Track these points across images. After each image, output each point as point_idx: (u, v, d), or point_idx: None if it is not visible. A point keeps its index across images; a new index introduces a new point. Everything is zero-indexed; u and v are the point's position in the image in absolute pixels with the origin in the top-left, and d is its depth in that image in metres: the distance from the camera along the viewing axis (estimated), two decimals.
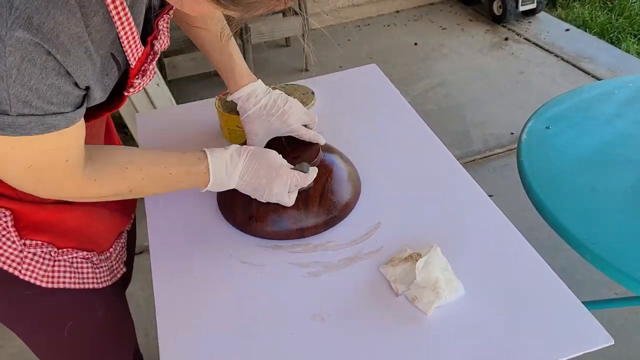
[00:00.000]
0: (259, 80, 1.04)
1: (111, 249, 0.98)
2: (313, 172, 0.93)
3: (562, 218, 1.11)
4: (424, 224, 0.95)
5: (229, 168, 0.87)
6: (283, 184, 0.89)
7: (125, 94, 0.80)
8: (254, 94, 1.01)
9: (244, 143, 1.16)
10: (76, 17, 0.61)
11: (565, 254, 1.27)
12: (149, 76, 0.81)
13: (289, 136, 1.01)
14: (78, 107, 0.68)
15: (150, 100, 2.46)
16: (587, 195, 1.17)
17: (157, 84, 2.47)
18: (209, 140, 1.20)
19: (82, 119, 0.71)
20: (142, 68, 0.79)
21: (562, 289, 0.83)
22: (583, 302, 0.81)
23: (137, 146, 1.19)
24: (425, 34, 3.47)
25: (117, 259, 1.01)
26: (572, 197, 1.17)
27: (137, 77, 0.78)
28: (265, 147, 0.99)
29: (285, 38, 3.33)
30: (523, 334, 0.77)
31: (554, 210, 1.13)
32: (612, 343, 0.75)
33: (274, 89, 1.06)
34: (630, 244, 1.06)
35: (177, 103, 2.57)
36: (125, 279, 1.09)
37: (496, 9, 3.44)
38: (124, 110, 2.35)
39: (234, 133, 1.16)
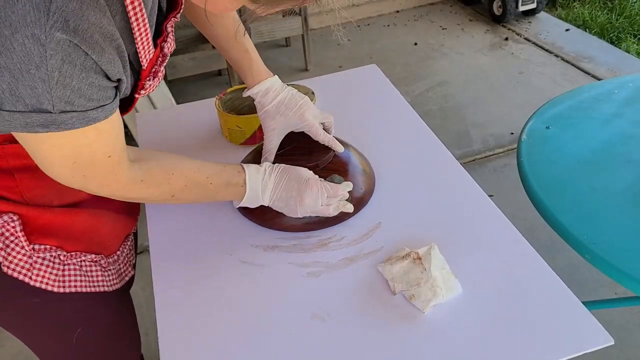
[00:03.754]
0: (276, 75, 1.04)
1: (118, 252, 0.97)
2: (347, 185, 0.95)
3: (562, 218, 1.11)
4: (424, 224, 0.95)
5: (263, 183, 0.90)
6: (314, 195, 0.90)
7: (137, 96, 0.80)
8: (272, 89, 1.01)
9: (246, 142, 1.16)
10: (107, 16, 0.62)
11: (565, 254, 1.27)
12: (159, 78, 0.81)
13: (304, 135, 1.02)
14: (114, 99, 0.69)
15: (150, 100, 2.46)
16: (587, 195, 1.17)
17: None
18: (209, 140, 1.20)
19: (119, 114, 0.72)
20: (153, 70, 0.79)
21: (562, 288, 0.83)
22: (583, 302, 0.81)
23: (138, 146, 1.19)
24: (425, 34, 3.47)
25: (125, 261, 1.00)
26: (572, 197, 1.17)
27: (148, 78, 0.79)
28: (282, 142, 1.01)
29: (285, 38, 3.33)
30: (522, 333, 0.77)
31: (554, 210, 1.13)
32: (612, 343, 0.75)
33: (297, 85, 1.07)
34: (630, 244, 1.06)
35: (177, 103, 2.57)
36: (130, 281, 1.09)
37: (496, 9, 3.44)
38: None
39: (234, 133, 1.16)
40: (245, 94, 1.04)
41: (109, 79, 0.66)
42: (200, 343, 0.79)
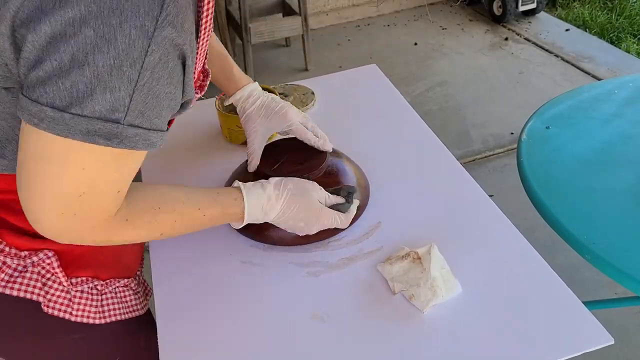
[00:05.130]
0: (256, 82, 1.04)
1: (138, 272, 0.95)
2: (354, 208, 0.91)
3: (562, 218, 1.11)
4: (424, 224, 0.95)
5: (265, 208, 0.84)
6: (321, 226, 0.87)
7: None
8: (252, 94, 1.01)
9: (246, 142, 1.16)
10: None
11: (565, 254, 1.27)
12: (204, 90, 0.78)
13: (296, 140, 1.01)
14: (167, 129, 0.64)
15: None
16: (587, 195, 1.17)
17: None
18: (209, 140, 1.20)
19: None
20: (200, 84, 0.76)
21: (562, 288, 0.83)
22: (583, 302, 0.81)
23: None
24: (425, 34, 3.47)
25: (143, 280, 0.99)
26: (572, 197, 1.17)
27: (196, 91, 0.74)
28: (272, 149, 0.98)
29: (285, 38, 3.33)
30: (522, 333, 0.77)
31: (554, 210, 1.13)
32: (612, 343, 0.75)
33: (274, 89, 1.07)
34: (630, 244, 1.05)
35: None
36: None
37: (496, 9, 3.44)
38: None
39: (234, 133, 1.16)
40: (228, 101, 1.03)
41: (182, 95, 0.63)
42: (200, 343, 0.79)
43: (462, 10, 3.72)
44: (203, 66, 0.75)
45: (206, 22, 0.64)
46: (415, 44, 3.37)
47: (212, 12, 0.65)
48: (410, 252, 0.86)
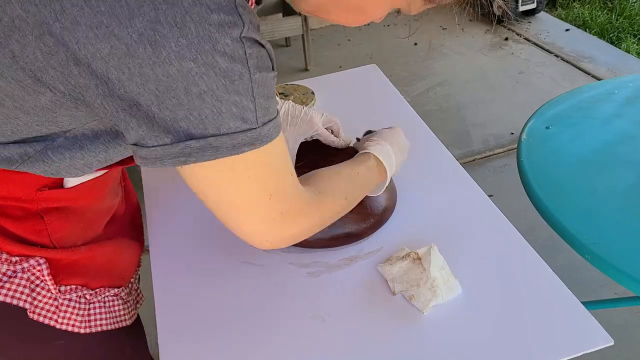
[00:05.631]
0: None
1: (132, 280, 0.95)
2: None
3: (562, 218, 1.10)
4: (423, 224, 0.95)
5: (386, 148, 0.90)
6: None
7: None
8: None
9: None
10: None
11: (565, 254, 1.27)
12: None
13: (320, 144, 1.00)
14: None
15: None
16: (587, 195, 1.17)
17: None
18: None
19: None
20: None
21: (562, 289, 0.83)
22: (583, 302, 0.81)
23: None
24: (425, 34, 3.47)
25: (137, 287, 0.98)
26: (572, 197, 1.17)
27: None
28: (299, 155, 0.99)
29: (286, 38, 3.33)
30: (521, 334, 0.77)
31: (554, 210, 1.12)
32: (612, 344, 0.75)
33: None
34: (630, 244, 1.05)
35: None
36: None
37: (496, 8, 3.44)
38: None
39: None
40: None
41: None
42: (199, 343, 0.79)
43: (462, 10, 3.72)
44: None
45: None
46: (415, 44, 3.37)
47: None
48: (410, 253, 0.86)
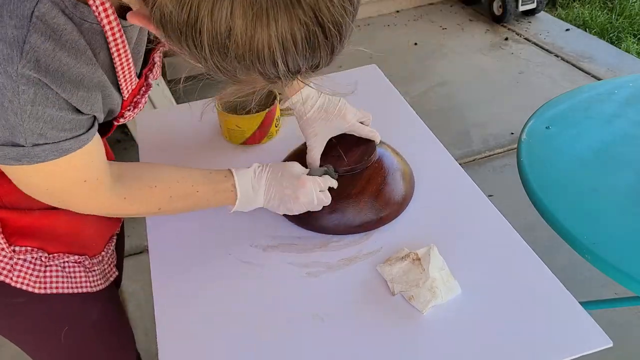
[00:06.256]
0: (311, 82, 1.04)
1: (103, 252, 0.97)
2: (331, 182, 0.95)
3: (562, 218, 1.11)
4: (423, 224, 0.95)
5: (254, 182, 0.89)
6: (308, 192, 0.90)
7: (115, 123, 0.83)
8: (310, 97, 1.00)
9: (246, 142, 1.15)
10: (86, 55, 0.65)
11: (565, 254, 1.27)
12: (140, 108, 0.83)
13: (341, 136, 1.01)
14: (89, 129, 0.70)
15: (150, 101, 2.46)
16: (587, 196, 1.17)
17: (157, 84, 2.47)
18: (209, 140, 1.20)
19: (98, 137, 0.74)
20: (135, 100, 0.82)
21: (561, 290, 0.83)
22: (583, 302, 0.81)
23: (137, 145, 1.19)
24: (425, 34, 3.47)
25: (110, 262, 1.00)
26: (572, 197, 1.17)
27: (128, 108, 0.81)
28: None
29: None
30: (520, 335, 0.77)
31: (554, 210, 1.12)
32: (611, 345, 0.75)
33: None
34: (630, 244, 1.05)
35: (177, 103, 2.57)
36: (117, 281, 1.09)
37: (496, 9, 3.44)
38: None
39: (233, 133, 1.16)
40: (284, 104, 1.02)
41: (82, 113, 0.68)
42: (199, 343, 0.79)
43: (462, 10, 3.72)
44: (146, 80, 0.82)
45: (118, 50, 0.70)
46: (415, 44, 3.36)
47: (123, 41, 0.70)
48: (409, 253, 0.86)
